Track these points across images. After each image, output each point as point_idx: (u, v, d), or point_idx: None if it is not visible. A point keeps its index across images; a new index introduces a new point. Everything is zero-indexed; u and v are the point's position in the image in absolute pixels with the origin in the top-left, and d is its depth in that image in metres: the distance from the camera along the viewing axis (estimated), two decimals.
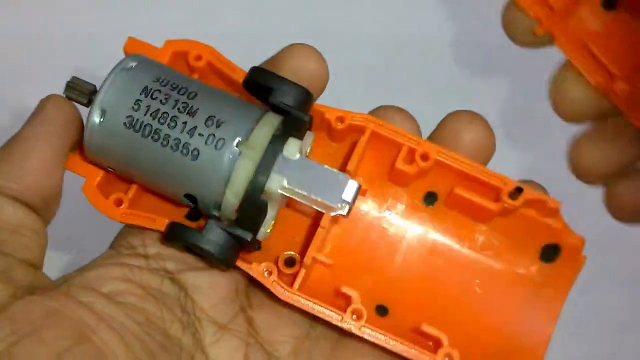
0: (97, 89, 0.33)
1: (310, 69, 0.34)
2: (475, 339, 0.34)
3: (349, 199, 0.31)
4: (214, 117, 0.31)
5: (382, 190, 0.36)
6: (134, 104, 0.31)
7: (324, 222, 0.33)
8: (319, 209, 0.32)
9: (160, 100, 0.31)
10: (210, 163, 0.31)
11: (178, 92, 0.32)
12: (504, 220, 0.35)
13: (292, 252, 0.34)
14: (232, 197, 0.31)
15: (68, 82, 0.33)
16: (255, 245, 0.32)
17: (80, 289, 0.29)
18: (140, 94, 0.31)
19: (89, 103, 0.33)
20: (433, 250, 0.36)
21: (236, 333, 0.33)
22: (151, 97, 0.31)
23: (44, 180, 0.31)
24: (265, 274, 0.33)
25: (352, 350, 0.34)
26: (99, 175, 0.33)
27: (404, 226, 0.36)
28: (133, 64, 0.32)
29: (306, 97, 0.33)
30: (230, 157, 0.31)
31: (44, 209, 0.31)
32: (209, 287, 0.33)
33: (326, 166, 0.32)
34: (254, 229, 0.31)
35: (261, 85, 0.33)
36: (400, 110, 0.35)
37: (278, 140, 0.31)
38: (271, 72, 0.33)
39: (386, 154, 0.35)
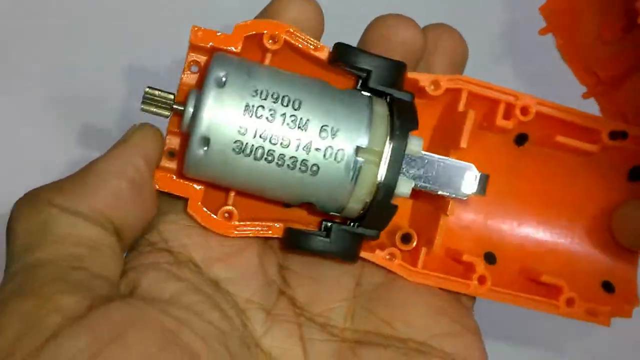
0: (175, 97, 0.30)
1: (308, 18, 0.32)
2: (576, 268, 0.36)
3: (477, 191, 0.31)
4: (327, 126, 0.29)
5: (475, 139, 0.35)
6: (240, 127, 0.29)
7: (451, 209, 0.32)
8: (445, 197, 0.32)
9: (267, 118, 0.29)
10: (332, 176, 0.30)
11: (282, 104, 0.29)
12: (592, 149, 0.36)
13: (408, 230, 0.34)
14: (356, 204, 0.30)
15: (144, 93, 0.30)
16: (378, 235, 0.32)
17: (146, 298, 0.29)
18: (244, 114, 0.29)
19: (170, 112, 0.30)
20: (527, 189, 0.36)
21: (284, 317, 0.32)
22: (256, 115, 0.29)
23: (114, 211, 0.29)
24: (388, 257, 0.33)
25: (404, 290, 0.33)
26: (200, 192, 0.31)
27: (496, 169, 0.36)
28: (222, 74, 0.29)
29: (403, 72, 0.31)
30: (352, 166, 0.29)
31: (118, 235, 0.30)
32: (241, 277, 0.32)
33: (450, 159, 0.31)
34: (382, 227, 0.31)
35: (352, 66, 0.31)
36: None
37: (399, 138, 0.30)
38: (359, 49, 0.31)
39: (480, 109, 0.34)
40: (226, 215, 0.32)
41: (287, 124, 0.29)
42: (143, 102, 0.30)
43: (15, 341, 0.24)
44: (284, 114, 0.29)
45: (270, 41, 0.31)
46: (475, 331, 0.33)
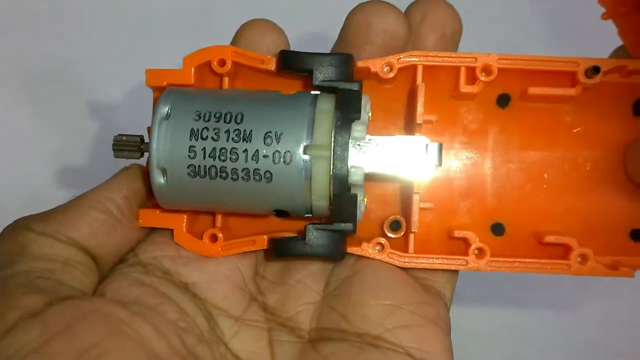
0: (143, 139, 0.32)
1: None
2: (599, 221, 0.34)
3: (436, 162, 0.30)
4: (270, 132, 0.30)
5: (453, 112, 0.34)
6: (189, 151, 0.30)
7: (417, 187, 0.32)
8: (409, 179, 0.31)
9: (212, 138, 0.30)
10: (287, 179, 0.30)
11: (225, 121, 0.30)
12: (587, 93, 0.33)
13: (394, 216, 0.34)
14: (320, 200, 0.30)
15: (113, 142, 0.32)
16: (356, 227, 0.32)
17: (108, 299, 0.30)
18: (190, 139, 0.30)
19: (142, 154, 0.32)
20: (524, 148, 0.35)
21: (254, 323, 0.32)
22: (202, 137, 0.30)
23: (89, 240, 0.31)
24: (377, 248, 0.33)
25: (366, 283, 0.32)
26: (183, 220, 0.33)
27: (486, 137, 0.35)
28: (166, 109, 0.31)
29: (347, 63, 0.31)
30: (302, 165, 0.30)
31: (94, 259, 0.32)
32: (212, 282, 0.32)
33: (399, 136, 0.31)
34: (353, 219, 0.31)
35: (296, 69, 0.31)
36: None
37: (342, 127, 0.30)
38: (300, 52, 0.31)
39: (445, 80, 0.33)
40: (211, 237, 0.33)
41: (232, 139, 0.30)
42: (114, 149, 0.33)
43: None
44: (228, 130, 0.30)
45: (220, 66, 0.33)
46: (439, 322, 0.32)
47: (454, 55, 0.32)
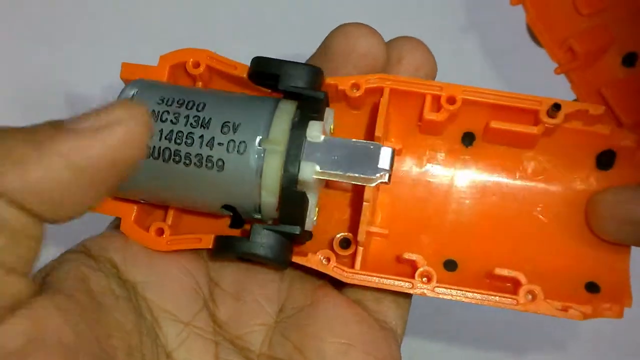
0: None
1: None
2: (553, 271, 0.33)
3: (387, 167, 0.30)
4: (229, 122, 0.30)
5: (418, 145, 0.35)
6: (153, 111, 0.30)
7: (367, 195, 0.31)
8: (359, 184, 0.31)
9: (171, 121, 0.30)
10: (238, 169, 0.30)
11: (186, 107, 0.31)
12: (550, 140, 0.34)
13: (344, 233, 0.33)
14: (269, 197, 0.30)
15: None
16: (307, 236, 0.32)
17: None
18: (158, 102, 0.31)
19: None
20: (485, 190, 0.34)
21: (202, 332, 0.31)
22: (161, 120, 0.30)
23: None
24: (324, 261, 0.32)
25: (323, 317, 0.32)
26: (132, 211, 0.32)
27: (449, 174, 0.35)
28: (132, 92, 0.31)
29: (315, 74, 0.32)
30: (255, 157, 0.30)
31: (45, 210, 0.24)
32: (161, 283, 0.31)
33: (354, 140, 0.31)
34: (300, 221, 0.31)
35: (266, 75, 0.32)
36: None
37: (299, 126, 0.30)
38: (272, 58, 0.32)
39: (412, 108, 0.33)
40: (158, 231, 0.32)
41: (191, 124, 0.30)
42: None
43: None
44: (188, 115, 0.30)
45: (194, 67, 0.33)
46: None
47: (420, 82, 0.33)
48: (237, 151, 0.30)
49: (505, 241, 0.34)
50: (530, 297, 0.31)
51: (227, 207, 0.31)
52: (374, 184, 0.31)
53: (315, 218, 0.32)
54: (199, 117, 0.30)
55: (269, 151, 0.30)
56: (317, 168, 0.30)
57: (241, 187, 0.30)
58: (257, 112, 0.31)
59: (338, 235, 0.33)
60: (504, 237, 0.34)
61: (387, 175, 0.30)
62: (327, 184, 0.34)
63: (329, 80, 0.33)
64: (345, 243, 0.33)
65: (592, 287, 0.33)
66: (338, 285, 0.33)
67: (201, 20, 0.56)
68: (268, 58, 0.32)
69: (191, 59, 0.33)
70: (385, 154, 0.30)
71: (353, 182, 0.31)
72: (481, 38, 0.54)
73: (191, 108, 0.31)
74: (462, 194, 0.34)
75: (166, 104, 0.31)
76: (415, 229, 0.34)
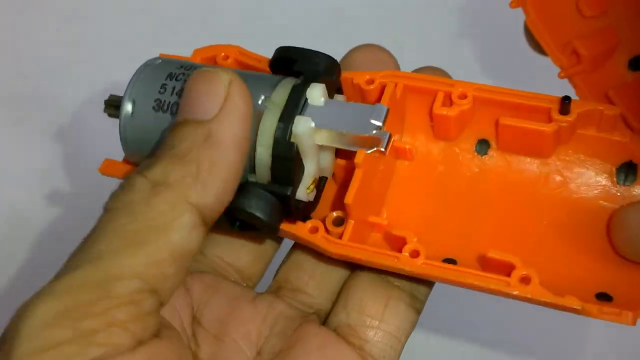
0: None
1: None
2: (563, 280, 0.30)
3: (380, 122, 0.30)
4: None
5: (431, 149, 0.34)
6: (161, 88, 0.32)
7: (359, 158, 0.31)
8: (355, 148, 0.31)
9: (184, 80, 0.32)
10: None
11: None
12: (566, 149, 0.32)
13: (340, 212, 0.32)
14: (263, 152, 0.30)
15: (106, 100, 0.35)
16: (300, 207, 0.31)
17: None
18: (166, 79, 0.32)
19: None
20: (498, 198, 0.33)
21: None
22: (176, 79, 0.32)
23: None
24: (310, 229, 0.31)
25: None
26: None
27: (463, 181, 0.34)
28: (156, 62, 0.33)
29: (332, 63, 0.33)
30: (255, 111, 0.30)
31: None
32: None
33: (352, 102, 0.31)
34: (291, 182, 0.30)
35: (287, 60, 0.33)
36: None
37: (300, 87, 0.31)
38: (294, 46, 0.33)
39: (425, 108, 0.33)
40: None
41: None
42: (106, 105, 0.35)
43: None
44: None
45: (223, 59, 0.36)
46: None
47: (433, 79, 0.33)
48: None
49: (514, 247, 0.31)
50: (523, 281, 0.28)
51: None
52: (369, 151, 0.30)
53: (309, 191, 0.31)
54: None
55: (269, 108, 0.30)
56: (312, 124, 0.30)
57: None
58: (266, 80, 0.32)
59: (334, 213, 0.32)
60: (512, 244, 0.32)
61: (385, 140, 0.30)
62: (336, 176, 0.34)
63: (345, 74, 0.34)
64: (338, 221, 0.32)
65: (603, 297, 0.30)
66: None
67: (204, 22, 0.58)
68: (292, 47, 0.34)
69: (222, 53, 0.36)
70: (379, 110, 0.30)
71: (349, 147, 0.31)
72: (479, 43, 0.54)
73: None
74: (475, 200, 0.33)
75: (185, 69, 0.32)
76: (419, 229, 0.32)
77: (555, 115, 0.31)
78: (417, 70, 0.35)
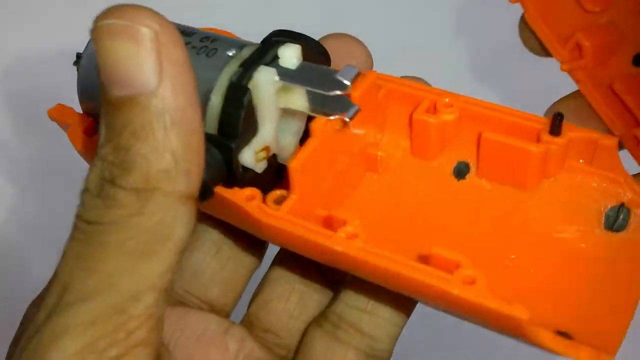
0: None
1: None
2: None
3: (348, 81, 0.27)
4: (210, 36, 0.30)
5: (405, 165, 0.31)
6: None
7: (315, 125, 0.28)
8: (319, 114, 0.28)
9: None
10: (200, 69, 0.27)
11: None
12: (551, 185, 0.29)
13: (284, 191, 0.28)
14: (217, 100, 0.28)
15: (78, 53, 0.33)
16: (244, 174, 0.28)
17: None
18: None
19: None
20: (470, 227, 0.29)
21: None
22: None
23: None
24: (246, 197, 0.27)
25: None
26: (86, 121, 0.31)
27: (433, 204, 0.30)
28: None
29: (323, 52, 0.30)
30: (220, 64, 0.28)
31: None
32: None
33: (328, 67, 0.28)
34: (237, 134, 0.27)
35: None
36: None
37: (271, 42, 0.28)
38: (292, 30, 0.31)
39: (407, 118, 0.31)
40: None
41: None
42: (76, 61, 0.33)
43: None
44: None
45: None
46: None
47: (420, 86, 0.30)
48: (207, 55, 0.29)
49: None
50: (467, 280, 0.24)
51: None
52: (332, 117, 0.27)
53: (260, 160, 0.28)
54: (186, 30, 0.30)
55: (234, 58, 0.28)
56: (276, 78, 0.27)
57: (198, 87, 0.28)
58: (242, 42, 0.30)
59: (277, 192, 0.28)
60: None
61: (350, 110, 0.27)
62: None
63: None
64: (281, 199, 0.28)
65: (562, 334, 0.25)
66: None
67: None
68: (287, 29, 0.31)
69: None
70: (349, 70, 0.27)
71: (314, 112, 0.28)
72: (474, 41, 0.52)
73: (182, 31, 0.30)
74: (443, 226, 0.29)
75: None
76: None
77: (545, 136, 0.28)
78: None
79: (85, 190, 0.23)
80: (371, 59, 0.32)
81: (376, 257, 0.25)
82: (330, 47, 0.31)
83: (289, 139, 0.30)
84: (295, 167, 0.27)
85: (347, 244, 0.25)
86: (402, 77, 0.32)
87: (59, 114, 0.31)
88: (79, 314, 0.22)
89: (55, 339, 0.22)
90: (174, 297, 0.32)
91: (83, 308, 0.22)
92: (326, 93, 0.27)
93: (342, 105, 0.28)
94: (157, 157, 0.22)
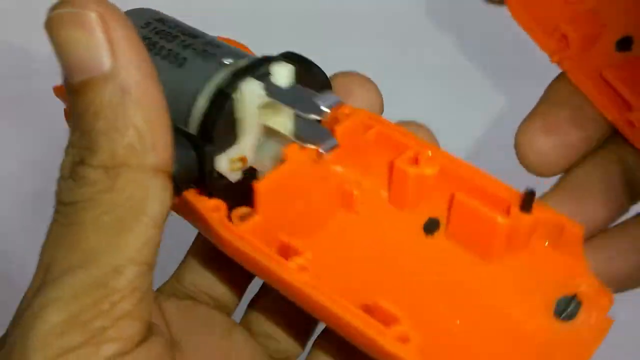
0: None
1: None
2: None
3: (326, 108, 0.28)
4: (213, 42, 0.30)
5: (379, 210, 0.31)
6: (145, 23, 0.31)
7: (289, 149, 0.28)
8: (299, 141, 0.28)
9: (169, 26, 0.31)
10: (193, 71, 0.29)
11: (186, 33, 0.31)
12: (512, 259, 0.29)
13: (248, 208, 0.29)
14: (201, 100, 0.28)
15: None
16: (217, 181, 0.28)
17: None
18: (155, 20, 0.31)
19: None
20: (424, 283, 0.29)
21: None
22: (161, 22, 0.31)
23: None
24: (213, 208, 0.27)
25: None
26: None
27: (399, 252, 0.30)
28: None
29: (325, 82, 0.30)
30: (214, 68, 0.28)
31: None
32: None
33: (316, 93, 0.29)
34: (213, 139, 0.27)
35: None
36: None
37: (266, 59, 0.29)
38: (300, 54, 0.31)
39: (389, 163, 0.31)
40: None
41: (182, 32, 0.30)
42: None
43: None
44: (185, 29, 0.31)
45: None
46: None
47: (409, 136, 0.30)
48: (203, 59, 0.29)
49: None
50: (401, 337, 0.24)
51: None
52: (307, 146, 0.28)
53: (233, 170, 0.28)
54: (194, 32, 0.31)
55: (229, 65, 0.29)
56: (263, 92, 0.28)
57: (186, 87, 0.28)
58: (242, 52, 0.30)
59: (244, 208, 0.29)
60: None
61: (328, 143, 0.27)
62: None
63: None
64: (246, 217, 0.28)
65: None
66: None
67: None
68: (295, 53, 0.31)
69: None
70: (331, 98, 0.28)
71: (297, 140, 0.28)
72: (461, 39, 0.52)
73: (190, 33, 0.31)
74: (399, 277, 0.29)
75: (170, 27, 0.31)
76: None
77: (515, 210, 0.28)
78: (401, 123, 0.32)
79: (60, 177, 0.24)
80: (381, 100, 0.32)
81: (317, 294, 0.25)
82: (339, 85, 0.31)
83: (267, 162, 0.30)
84: (259, 188, 0.27)
85: (294, 275, 0.25)
86: (405, 121, 0.32)
87: (63, 92, 0.32)
88: (62, 287, 0.23)
89: (40, 312, 0.23)
90: (183, 290, 0.33)
91: (66, 282, 0.23)
92: (302, 114, 0.28)
93: (321, 136, 0.28)
94: (120, 134, 0.23)
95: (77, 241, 0.23)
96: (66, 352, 0.22)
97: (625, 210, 0.35)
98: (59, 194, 0.25)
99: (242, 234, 0.27)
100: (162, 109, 0.24)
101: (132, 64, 0.24)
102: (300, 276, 0.25)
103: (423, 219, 0.31)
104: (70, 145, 0.24)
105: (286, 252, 0.27)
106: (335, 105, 0.28)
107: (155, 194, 0.24)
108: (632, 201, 0.35)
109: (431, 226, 0.30)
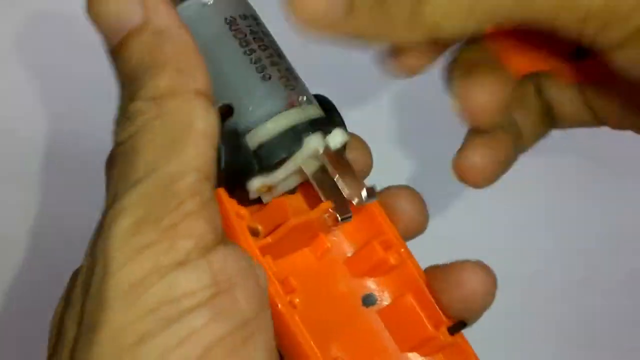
0: None
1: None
2: None
3: (363, 200, 0.32)
4: (292, 70, 0.33)
5: (338, 268, 0.35)
6: (241, 15, 0.33)
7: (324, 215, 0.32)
8: (317, 188, 0.32)
9: (262, 31, 0.33)
10: (274, 92, 0.31)
11: (271, 42, 0.33)
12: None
13: (256, 225, 0.32)
14: (271, 129, 0.31)
15: None
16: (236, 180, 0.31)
17: None
18: (251, 16, 0.33)
19: None
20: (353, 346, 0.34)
21: None
22: (256, 22, 0.33)
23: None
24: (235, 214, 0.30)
25: None
26: None
27: (334, 308, 0.34)
28: None
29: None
30: (292, 102, 0.31)
31: None
32: None
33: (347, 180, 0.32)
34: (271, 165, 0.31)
35: None
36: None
37: (330, 120, 0.32)
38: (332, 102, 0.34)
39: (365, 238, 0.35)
40: None
41: (271, 42, 0.33)
42: None
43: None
44: (272, 41, 0.33)
45: None
46: None
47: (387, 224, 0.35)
48: (285, 85, 0.32)
49: None
50: None
51: (226, 107, 0.31)
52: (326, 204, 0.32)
53: (261, 191, 0.32)
54: (278, 50, 0.33)
55: (307, 107, 0.32)
56: (321, 150, 0.31)
57: (262, 103, 0.31)
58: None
59: (258, 226, 0.32)
60: None
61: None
62: None
63: None
64: (253, 232, 0.31)
65: None
66: None
67: None
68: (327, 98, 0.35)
69: None
70: (371, 194, 0.32)
71: (316, 185, 0.32)
72: None
73: (276, 49, 0.33)
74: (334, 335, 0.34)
75: (263, 32, 0.33)
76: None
77: (443, 328, 0.34)
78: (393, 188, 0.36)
79: (114, 122, 0.28)
80: (371, 160, 0.36)
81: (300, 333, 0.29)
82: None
83: (280, 188, 0.33)
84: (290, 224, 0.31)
85: (288, 309, 0.29)
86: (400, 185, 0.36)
87: None
88: (130, 197, 0.26)
89: (114, 219, 0.25)
90: None
91: (133, 192, 0.26)
92: (343, 189, 0.32)
93: (341, 206, 0.32)
94: (161, 69, 0.27)
95: (137, 161, 0.26)
96: (144, 247, 0.25)
97: (545, 135, 0.37)
98: (115, 136, 0.28)
99: (254, 250, 0.30)
100: (193, 44, 0.28)
101: (162, 12, 0.28)
102: (292, 312, 0.29)
103: (364, 292, 0.35)
104: (120, 98, 0.28)
105: (283, 284, 0.31)
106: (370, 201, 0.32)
107: (199, 113, 0.27)
108: (551, 126, 0.37)
109: (370, 299, 0.35)
